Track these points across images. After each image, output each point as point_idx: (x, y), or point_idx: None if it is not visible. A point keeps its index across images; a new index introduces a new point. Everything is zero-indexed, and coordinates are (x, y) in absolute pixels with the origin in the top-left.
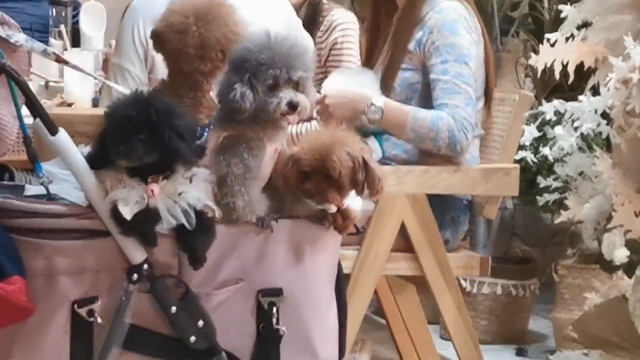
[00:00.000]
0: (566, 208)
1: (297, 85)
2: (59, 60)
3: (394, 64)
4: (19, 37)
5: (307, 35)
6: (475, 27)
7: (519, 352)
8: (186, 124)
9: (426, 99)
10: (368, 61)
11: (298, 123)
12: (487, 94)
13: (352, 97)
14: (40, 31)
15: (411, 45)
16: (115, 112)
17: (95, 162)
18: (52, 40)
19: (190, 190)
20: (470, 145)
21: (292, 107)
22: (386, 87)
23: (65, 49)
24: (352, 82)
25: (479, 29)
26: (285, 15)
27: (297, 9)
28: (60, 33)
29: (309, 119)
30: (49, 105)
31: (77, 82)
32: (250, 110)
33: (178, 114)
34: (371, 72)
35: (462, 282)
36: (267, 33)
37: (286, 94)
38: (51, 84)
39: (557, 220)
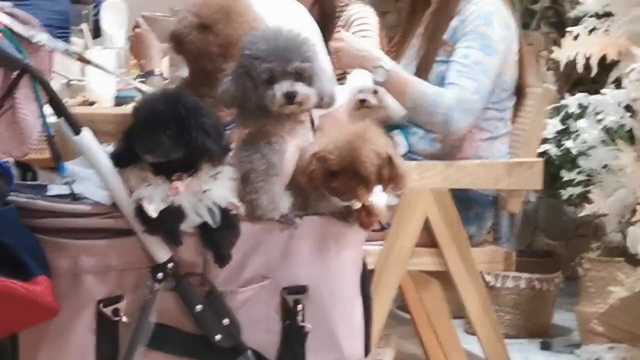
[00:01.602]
0: (590, 201)
1: (299, 77)
2: (82, 59)
3: (429, 57)
4: (42, 37)
5: (315, 28)
6: (510, 24)
7: (544, 346)
8: (213, 122)
9: None
10: (397, 54)
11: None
12: (520, 92)
13: (365, 53)
14: (61, 27)
15: (446, 35)
16: (143, 108)
17: (121, 159)
18: (73, 38)
19: (214, 188)
20: (468, 131)
21: (289, 97)
22: (422, 78)
23: (87, 48)
24: (364, 73)
25: (514, 26)
26: (294, 10)
27: (310, 6)
28: (81, 31)
29: None
30: (71, 103)
31: (99, 80)
32: (253, 103)
33: (205, 111)
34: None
35: (486, 276)
36: (264, 27)
37: (282, 86)
38: (73, 82)
39: (581, 214)
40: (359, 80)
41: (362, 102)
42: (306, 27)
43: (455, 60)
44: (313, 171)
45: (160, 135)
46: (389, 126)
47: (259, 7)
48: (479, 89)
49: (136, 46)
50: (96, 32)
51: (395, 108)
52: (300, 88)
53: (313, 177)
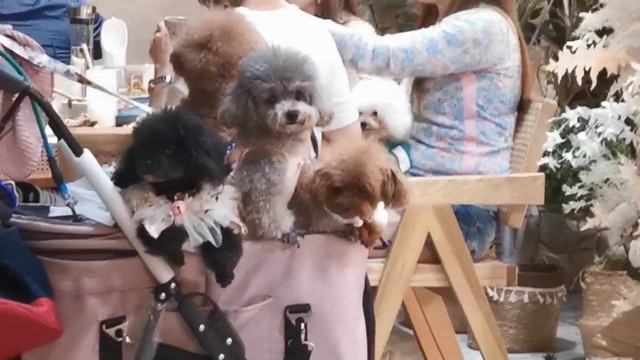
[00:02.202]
0: (592, 215)
1: (299, 95)
2: (82, 80)
3: None
4: (42, 59)
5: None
6: (507, 40)
7: None
8: (213, 142)
9: (458, 101)
10: None
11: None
12: (523, 106)
13: None
14: (62, 47)
15: None
16: (143, 128)
17: (122, 179)
18: (74, 58)
19: (216, 208)
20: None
21: (291, 117)
22: (420, 87)
23: (88, 67)
24: (377, 94)
25: (514, 43)
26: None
27: None
28: (82, 50)
29: None
30: (72, 124)
31: (100, 100)
32: (254, 122)
33: (205, 131)
34: (392, 82)
35: (489, 290)
36: (265, 47)
37: (283, 105)
38: (74, 102)
39: (583, 228)
40: (357, 100)
41: (362, 126)
42: (321, 45)
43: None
44: (317, 188)
45: (160, 155)
46: (391, 143)
47: (263, 30)
48: (410, 53)
49: (154, 50)
50: (96, 52)
51: (395, 127)
52: (302, 107)
53: (316, 194)
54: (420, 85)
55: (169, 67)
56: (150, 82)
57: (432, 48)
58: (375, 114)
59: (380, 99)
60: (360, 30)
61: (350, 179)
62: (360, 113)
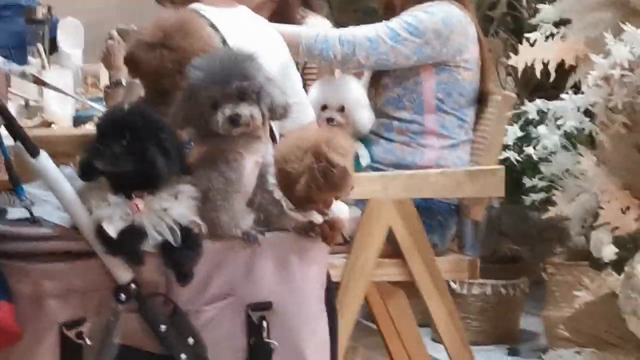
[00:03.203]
0: (553, 205)
1: (242, 96)
2: (38, 81)
3: None
4: None
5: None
6: (465, 32)
7: (511, 352)
8: (172, 140)
9: (418, 95)
10: None
11: None
12: (482, 98)
13: None
14: (17, 48)
15: None
16: (106, 117)
17: (84, 172)
18: (30, 58)
19: (175, 207)
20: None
21: (233, 121)
22: (378, 85)
23: (44, 67)
24: (335, 90)
25: (472, 35)
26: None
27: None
28: (38, 50)
29: None
30: (29, 125)
31: (57, 101)
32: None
33: (166, 129)
34: (354, 78)
35: (452, 283)
36: (216, 46)
37: (224, 110)
38: (31, 103)
39: (545, 216)
40: (321, 94)
41: (330, 121)
42: (273, 44)
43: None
44: (276, 174)
45: (114, 144)
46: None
47: (222, 26)
48: (374, 41)
49: (107, 57)
50: (52, 50)
51: (362, 122)
52: (244, 109)
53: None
54: (378, 81)
55: (124, 71)
56: (106, 87)
57: (394, 37)
58: (342, 109)
59: (349, 95)
60: (319, 26)
61: (306, 165)
62: (327, 108)
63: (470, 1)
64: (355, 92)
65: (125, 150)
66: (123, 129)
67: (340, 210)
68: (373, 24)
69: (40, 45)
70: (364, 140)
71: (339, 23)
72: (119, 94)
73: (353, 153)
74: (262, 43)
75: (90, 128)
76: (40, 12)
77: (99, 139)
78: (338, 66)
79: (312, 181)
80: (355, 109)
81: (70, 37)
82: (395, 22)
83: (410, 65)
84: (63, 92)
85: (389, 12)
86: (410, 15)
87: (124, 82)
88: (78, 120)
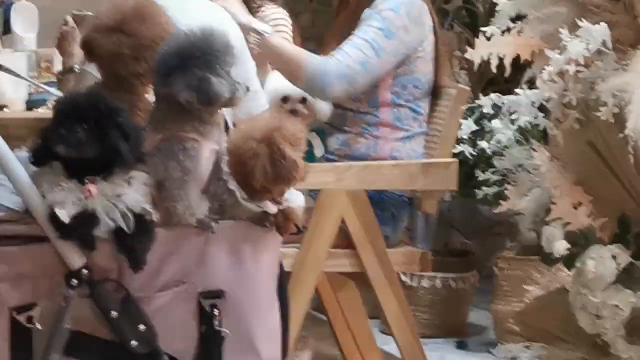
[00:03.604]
0: (506, 199)
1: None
2: None
3: None
4: None
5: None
6: (423, 22)
7: (460, 346)
8: (132, 126)
9: (372, 87)
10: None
11: None
12: (436, 91)
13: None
14: None
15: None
16: (64, 101)
17: (37, 158)
18: None
19: (129, 193)
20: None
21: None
22: None
23: None
24: None
25: (429, 25)
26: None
27: None
28: None
29: None
30: None
31: (10, 84)
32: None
33: (125, 115)
34: None
35: (402, 276)
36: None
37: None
38: None
39: (497, 211)
40: (282, 86)
41: (293, 113)
42: (227, 29)
43: (354, 34)
44: (229, 162)
45: (77, 129)
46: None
47: (176, 12)
48: (365, 63)
49: (62, 43)
50: (5, 33)
51: (322, 113)
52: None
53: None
54: None
55: (77, 57)
56: (59, 73)
57: (377, 49)
58: (304, 101)
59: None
60: (279, 22)
61: (259, 151)
62: (288, 99)
63: None
64: None
65: (89, 136)
66: (85, 114)
67: (295, 199)
68: (351, 39)
69: None
70: (319, 131)
71: (295, 14)
72: (70, 81)
73: (305, 141)
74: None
75: (44, 112)
76: None
77: (59, 124)
78: (338, 100)
79: (263, 173)
80: (316, 100)
81: (25, 20)
82: (369, 31)
83: (394, 66)
84: (19, 76)
85: (344, 3)
86: (378, 18)
87: (76, 69)
88: (32, 104)
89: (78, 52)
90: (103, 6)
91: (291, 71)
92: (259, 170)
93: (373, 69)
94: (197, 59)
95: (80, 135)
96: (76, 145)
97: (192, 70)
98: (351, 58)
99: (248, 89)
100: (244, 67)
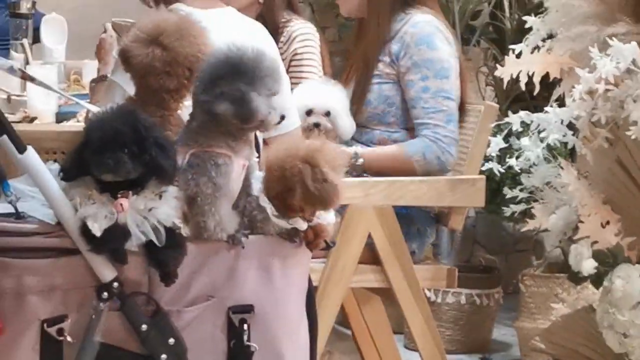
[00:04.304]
0: (532, 217)
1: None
2: (25, 77)
3: (365, 81)
4: None
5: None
6: (451, 40)
7: None
8: (168, 141)
9: (404, 112)
10: (346, 81)
11: None
12: (461, 107)
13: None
14: (0, 41)
15: (387, 59)
16: (99, 126)
17: (69, 175)
18: (13, 53)
19: (160, 207)
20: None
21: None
22: (359, 101)
23: (27, 62)
24: (321, 95)
25: (453, 42)
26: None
27: None
28: (22, 46)
29: None
30: (12, 120)
31: (40, 96)
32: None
33: (159, 130)
34: (335, 82)
35: (426, 291)
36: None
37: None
38: (13, 97)
39: (523, 229)
40: (307, 99)
41: (316, 126)
42: (266, 45)
43: (417, 95)
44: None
45: (121, 155)
46: None
47: (211, 27)
48: (449, 117)
49: (99, 51)
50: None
51: (345, 128)
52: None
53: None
54: (360, 98)
55: (111, 66)
56: (91, 81)
57: (442, 94)
58: (327, 114)
59: (334, 100)
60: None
61: (299, 178)
62: (312, 112)
63: (437, 4)
64: (340, 98)
65: (134, 160)
66: (126, 139)
67: (326, 217)
68: (416, 102)
69: (25, 40)
70: (346, 145)
71: (321, 27)
72: (101, 90)
73: (344, 166)
74: (256, 43)
75: (73, 125)
76: (25, 7)
77: (100, 149)
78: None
79: (303, 192)
80: (339, 115)
81: (54, 32)
82: (427, 80)
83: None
84: (50, 88)
85: (363, 29)
86: (424, 62)
87: (109, 77)
88: (61, 117)
89: (111, 61)
90: (145, 19)
91: (406, 174)
92: (300, 188)
93: (455, 114)
94: (244, 75)
95: (126, 161)
96: (125, 171)
97: (237, 83)
98: (440, 125)
99: (282, 118)
100: (282, 94)
